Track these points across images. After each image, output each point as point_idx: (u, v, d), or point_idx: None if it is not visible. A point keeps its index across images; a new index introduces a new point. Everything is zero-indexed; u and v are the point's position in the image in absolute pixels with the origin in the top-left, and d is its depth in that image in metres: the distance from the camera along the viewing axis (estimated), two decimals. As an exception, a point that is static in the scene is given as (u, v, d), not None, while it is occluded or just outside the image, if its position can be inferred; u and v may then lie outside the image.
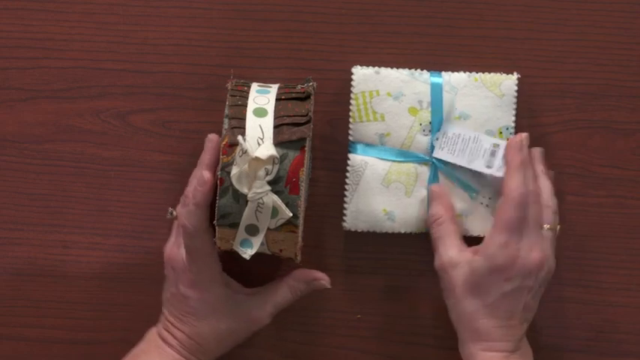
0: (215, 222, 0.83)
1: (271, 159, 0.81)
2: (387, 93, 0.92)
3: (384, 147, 0.92)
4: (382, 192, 0.92)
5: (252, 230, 0.83)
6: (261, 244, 0.83)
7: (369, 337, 0.96)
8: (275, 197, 0.81)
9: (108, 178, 0.95)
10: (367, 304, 0.95)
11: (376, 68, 0.92)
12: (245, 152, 0.80)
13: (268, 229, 0.83)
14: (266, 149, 0.81)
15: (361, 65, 0.92)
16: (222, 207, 0.83)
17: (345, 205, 0.92)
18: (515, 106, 0.92)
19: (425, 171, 0.92)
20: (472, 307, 0.87)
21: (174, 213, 0.90)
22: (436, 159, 0.92)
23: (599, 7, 0.94)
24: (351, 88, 0.92)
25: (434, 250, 0.90)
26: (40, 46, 0.95)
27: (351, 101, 0.92)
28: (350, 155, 0.92)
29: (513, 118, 0.92)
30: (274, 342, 0.95)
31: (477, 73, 0.92)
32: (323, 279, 0.91)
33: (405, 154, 0.92)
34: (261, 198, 0.81)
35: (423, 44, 0.94)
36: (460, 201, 0.92)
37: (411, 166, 0.92)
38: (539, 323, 0.95)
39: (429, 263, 0.94)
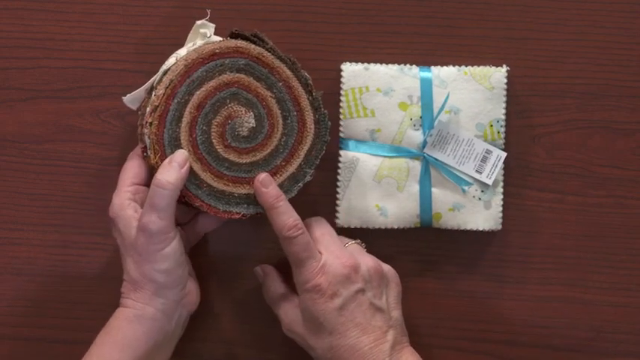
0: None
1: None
2: (377, 89, 0.92)
3: (375, 143, 0.92)
4: (374, 188, 0.92)
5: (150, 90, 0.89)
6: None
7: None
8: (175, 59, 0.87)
9: (108, 178, 0.94)
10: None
11: (365, 64, 0.92)
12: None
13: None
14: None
15: (350, 62, 0.92)
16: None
17: (338, 202, 0.93)
18: (505, 99, 0.92)
19: (416, 166, 0.92)
20: (326, 343, 0.85)
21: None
22: (427, 154, 0.92)
23: (599, 7, 0.94)
24: (341, 85, 0.92)
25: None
26: (40, 46, 0.95)
27: (341, 97, 0.92)
28: (341, 152, 0.93)
29: (504, 111, 0.92)
30: (273, 342, 0.95)
31: (466, 66, 0.93)
32: (175, 153, 0.87)
33: (396, 150, 0.92)
34: (170, 57, 0.88)
35: (423, 44, 0.94)
36: (453, 195, 0.92)
37: (402, 161, 0.92)
38: (539, 323, 0.95)
39: (423, 259, 0.94)
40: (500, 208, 0.93)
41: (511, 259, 0.95)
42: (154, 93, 0.86)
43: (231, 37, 0.88)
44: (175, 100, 0.86)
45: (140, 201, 0.88)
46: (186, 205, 0.88)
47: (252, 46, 0.88)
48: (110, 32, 0.95)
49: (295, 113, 0.89)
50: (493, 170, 0.92)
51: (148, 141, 0.86)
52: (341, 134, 0.93)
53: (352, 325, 0.85)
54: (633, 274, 0.95)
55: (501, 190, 0.93)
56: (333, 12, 0.94)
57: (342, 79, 0.92)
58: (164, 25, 0.95)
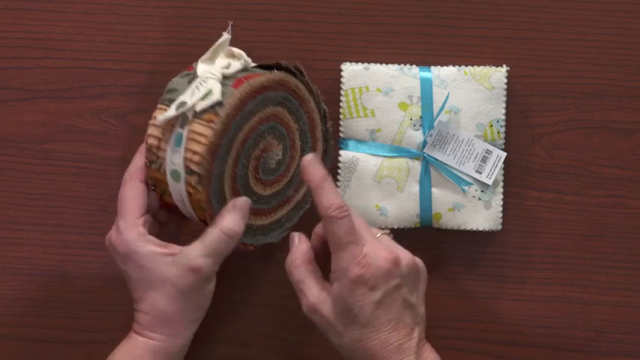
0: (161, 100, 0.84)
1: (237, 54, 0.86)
2: (377, 89, 0.92)
3: (375, 143, 0.92)
4: (374, 188, 0.92)
5: (182, 105, 0.82)
6: (181, 138, 0.82)
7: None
8: (218, 84, 0.82)
9: (108, 178, 0.95)
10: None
11: (365, 64, 0.92)
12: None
13: (194, 112, 0.81)
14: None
15: (350, 62, 0.92)
16: (172, 83, 0.84)
17: (339, 202, 0.93)
18: (505, 99, 0.92)
19: (417, 166, 0.92)
20: (355, 335, 0.83)
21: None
22: (427, 154, 0.92)
23: (599, 7, 0.94)
24: (341, 85, 0.92)
25: (298, 294, 0.86)
26: (40, 46, 0.95)
27: (341, 97, 0.92)
28: (341, 152, 0.93)
29: (504, 111, 0.92)
30: (273, 342, 0.95)
31: (466, 66, 0.93)
32: (239, 200, 0.85)
33: (396, 150, 0.92)
34: (208, 79, 0.83)
35: (423, 44, 0.94)
36: (453, 194, 0.92)
37: (402, 161, 0.92)
38: (539, 323, 0.95)
39: (423, 259, 0.94)
40: (500, 208, 0.93)
41: (511, 259, 0.95)
42: (197, 120, 0.82)
43: (277, 69, 0.85)
44: (227, 136, 0.82)
45: (150, 231, 0.86)
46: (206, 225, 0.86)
47: (292, 78, 0.86)
48: (110, 32, 0.95)
49: (310, 144, 0.89)
50: (493, 170, 0.92)
51: (192, 172, 0.82)
52: (341, 134, 0.93)
53: (386, 320, 0.83)
54: (633, 274, 0.95)
55: (501, 190, 0.93)
56: (333, 12, 0.94)
57: (342, 79, 0.92)
58: (164, 25, 0.95)
